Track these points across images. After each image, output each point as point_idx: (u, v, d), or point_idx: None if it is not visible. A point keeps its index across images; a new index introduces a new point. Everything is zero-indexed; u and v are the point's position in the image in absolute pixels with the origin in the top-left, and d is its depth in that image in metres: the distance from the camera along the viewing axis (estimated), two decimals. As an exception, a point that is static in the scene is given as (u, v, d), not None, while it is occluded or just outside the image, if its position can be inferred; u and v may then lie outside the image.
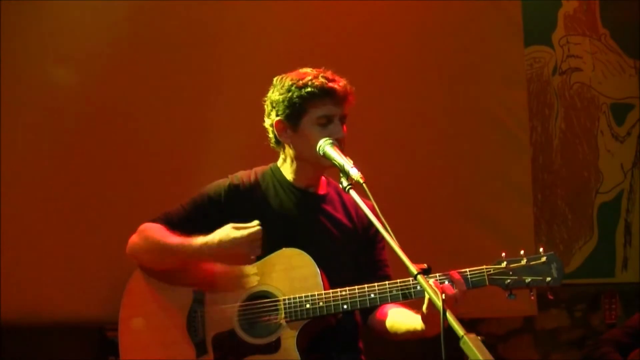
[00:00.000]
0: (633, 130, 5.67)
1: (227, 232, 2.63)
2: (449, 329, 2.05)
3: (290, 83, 2.78)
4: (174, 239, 2.71)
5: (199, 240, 2.66)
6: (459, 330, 2.02)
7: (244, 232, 2.60)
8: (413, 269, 2.25)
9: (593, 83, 5.62)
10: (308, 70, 2.82)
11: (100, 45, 4.18)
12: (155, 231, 2.76)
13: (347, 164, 2.59)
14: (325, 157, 2.68)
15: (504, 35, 4.95)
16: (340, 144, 2.72)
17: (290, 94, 2.76)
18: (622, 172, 5.64)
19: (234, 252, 2.61)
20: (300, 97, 2.75)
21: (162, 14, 4.28)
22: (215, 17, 4.36)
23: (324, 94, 2.74)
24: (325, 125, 2.75)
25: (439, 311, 2.10)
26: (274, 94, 2.81)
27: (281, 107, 2.78)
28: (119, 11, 4.19)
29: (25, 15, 4.09)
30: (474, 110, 4.88)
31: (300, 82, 2.76)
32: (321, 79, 2.76)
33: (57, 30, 4.15)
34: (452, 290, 2.47)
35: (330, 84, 2.75)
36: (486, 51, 4.90)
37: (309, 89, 2.74)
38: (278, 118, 2.80)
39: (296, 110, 2.76)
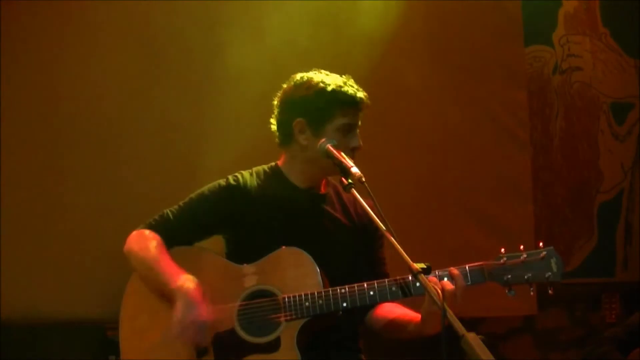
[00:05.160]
0: (633, 129, 5.67)
1: (191, 315, 2.56)
2: (449, 328, 2.05)
3: (319, 86, 2.76)
4: (161, 267, 2.68)
5: (177, 282, 2.61)
6: (460, 329, 2.02)
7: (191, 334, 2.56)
8: (414, 267, 2.26)
9: (593, 82, 5.62)
10: (327, 73, 2.81)
11: (99, 44, 4.18)
12: (150, 246, 2.74)
13: (347, 163, 2.60)
14: (326, 156, 2.69)
15: (504, 35, 4.95)
16: (354, 154, 2.73)
17: (319, 96, 2.75)
18: (622, 171, 5.64)
19: (185, 317, 2.57)
20: (330, 102, 2.74)
21: (163, 13, 4.27)
22: (215, 16, 4.35)
23: (353, 103, 2.75)
24: (346, 133, 2.75)
25: (439, 309, 2.10)
26: (296, 93, 2.79)
27: (306, 108, 2.76)
28: (118, 10, 4.19)
29: (25, 15, 4.09)
30: (474, 110, 4.87)
31: (330, 87, 2.74)
32: (351, 87, 2.76)
33: (57, 30, 4.14)
34: (451, 286, 2.47)
35: (359, 94, 2.76)
36: (486, 51, 4.89)
37: (341, 96, 2.74)
38: (300, 118, 2.78)
39: (323, 114, 2.74)
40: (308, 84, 2.77)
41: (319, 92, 2.75)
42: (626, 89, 5.67)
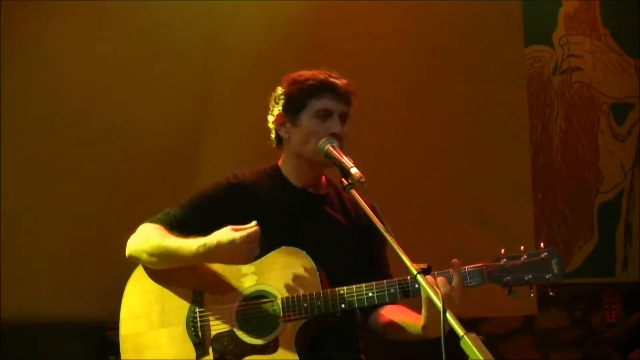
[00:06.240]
0: (633, 129, 5.68)
1: (226, 233, 2.58)
2: (449, 329, 2.05)
3: (293, 78, 2.82)
4: (172, 241, 2.68)
5: (197, 242, 2.62)
6: (459, 330, 2.02)
7: (243, 233, 2.55)
8: (413, 268, 2.25)
9: (593, 82, 5.62)
10: (314, 70, 2.85)
11: (100, 44, 4.18)
12: (154, 232, 2.74)
13: (347, 163, 2.59)
14: (326, 157, 2.69)
15: (504, 35, 4.95)
16: (338, 140, 2.73)
17: (292, 87, 2.81)
18: (622, 171, 5.64)
19: (232, 253, 2.57)
20: (301, 90, 2.79)
21: (162, 13, 4.27)
22: (214, 15, 4.35)
23: (325, 87, 2.78)
24: (324, 119, 2.77)
25: (438, 311, 2.10)
26: (278, 91, 2.86)
27: (282, 101, 2.82)
28: (117, 12, 4.19)
29: (26, 15, 4.09)
30: (474, 110, 4.87)
31: (303, 77, 2.81)
32: (324, 75, 2.80)
33: (57, 30, 4.14)
34: (447, 285, 2.46)
35: (332, 79, 2.79)
36: (486, 51, 4.90)
37: (310, 82, 2.79)
38: (278, 112, 2.83)
39: (297, 104, 2.79)
40: (287, 80, 2.85)
41: (293, 84, 2.82)
42: (626, 89, 5.67)
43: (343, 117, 2.80)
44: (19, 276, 3.95)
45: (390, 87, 4.63)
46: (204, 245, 2.61)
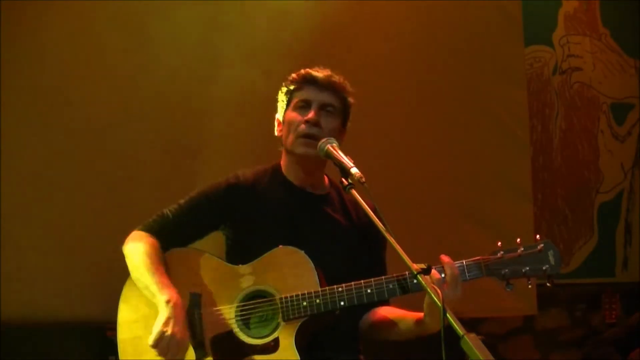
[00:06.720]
0: (633, 129, 5.68)
1: (168, 330, 2.55)
2: (449, 329, 2.05)
3: (286, 79, 2.88)
4: (152, 276, 2.67)
5: (164, 297, 2.60)
6: (459, 329, 2.02)
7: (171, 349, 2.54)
8: (413, 268, 2.25)
9: (593, 83, 5.62)
10: None
11: (100, 46, 4.18)
12: (145, 252, 2.73)
13: (347, 163, 2.58)
14: (326, 156, 2.68)
15: (504, 35, 4.95)
16: (313, 126, 2.75)
17: (283, 88, 2.88)
18: (622, 171, 5.64)
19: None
20: (287, 88, 2.86)
21: (163, 14, 4.27)
22: (216, 15, 4.36)
23: (304, 80, 2.83)
24: (302, 109, 2.81)
25: (438, 309, 2.10)
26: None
27: (278, 103, 2.89)
28: (118, 13, 4.19)
29: (25, 15, 4.08)
30: (474, 110, 4.87)
31: (289, 76, 2.87)
32: (305, 70, 2.85)
33: (57, 30, 4.14)
34: (453, 266, 2.47)
35: (312, 72, 2.84)
36: (486, 51, 4.89)
37: (292, 78, 2.86)
38: (277, 117, 2.89)
39: (285, 104, 2.86)
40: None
41: (284, 85, 2.89)
42: (626, 89, 5.67)
43: (325, 107, 2.81)
44: (19, 276, 3.96)
45: (390, 87, 4.63)
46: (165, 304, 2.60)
